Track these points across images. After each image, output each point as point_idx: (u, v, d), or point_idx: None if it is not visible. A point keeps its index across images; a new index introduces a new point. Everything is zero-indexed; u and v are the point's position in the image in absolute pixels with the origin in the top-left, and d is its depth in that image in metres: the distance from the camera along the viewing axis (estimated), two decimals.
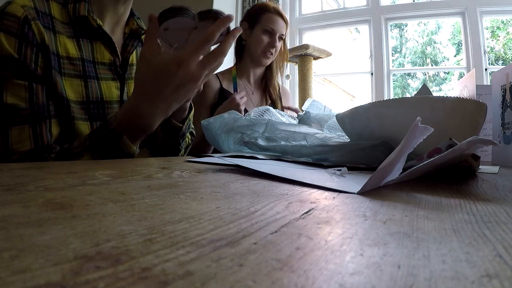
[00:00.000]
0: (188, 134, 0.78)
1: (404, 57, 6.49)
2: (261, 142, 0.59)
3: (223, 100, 1.25)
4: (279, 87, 1.47)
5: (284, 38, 1.37)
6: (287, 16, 1.64)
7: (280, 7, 2.33)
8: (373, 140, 0.46)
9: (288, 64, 2.85)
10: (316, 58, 2.48)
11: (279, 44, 1.35)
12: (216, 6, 2.37)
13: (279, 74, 1.47)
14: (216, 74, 1.32)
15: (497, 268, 0.11)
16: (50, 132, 0.59)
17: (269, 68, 1.41)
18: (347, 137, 0.57)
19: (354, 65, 5.98)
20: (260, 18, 1.32)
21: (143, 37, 0.74)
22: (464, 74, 2.75)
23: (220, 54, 0.53)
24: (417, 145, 0.26)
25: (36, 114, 0.57)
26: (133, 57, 0.73)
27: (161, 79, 0.52)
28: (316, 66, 2.55)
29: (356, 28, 5.89)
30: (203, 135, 0.68)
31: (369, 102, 0.48)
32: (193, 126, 0.81)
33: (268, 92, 1.42)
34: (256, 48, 1.32)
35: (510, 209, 0.22)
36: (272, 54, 1.34)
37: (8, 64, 0.55)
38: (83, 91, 0.63)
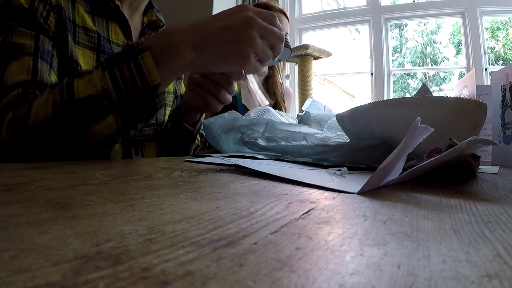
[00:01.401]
0: (197, 136, 0.77)
1: (404, 57, 6.49)
2: (261, 142, 0.59)
3: None
4: (282, 86, 1.47)
5: (287, 35, 1.37)
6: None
7: (280, 7, 2.32)
8: (373, 140, 0.46)
9: (288, 64, 2.85)
10: (316, 58, 2.48)
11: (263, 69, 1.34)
12: (216, 5, 2.37)
13: (281, 72, 1.47)
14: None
15: (497, 268, 0.11)
16: (49, 78, 0.54)
17: (271, 67, 1.41)
18: (347, 137, 0.57)
19: (354, 65, 5.98)
20: None
21: (161, 29, 0.72)
22: (464, 74, 2.75)
23: (271, 55, 0.49)
24: (417, 145, 0.26)
25: (41, 52, 0.53)
26: None
27: (218, 15, 0.47)
28: (316, 66, 2.55)
29: (356, 28, 5.89)
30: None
31: (369, 102, 0.48)
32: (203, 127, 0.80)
33: (272, 92, 1.42)
34: None
35: (510, 209, 0.22)
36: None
37: (17, 14, 0.53)
38: (93, 65, 0.61)
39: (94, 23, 0.63)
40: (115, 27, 0.65)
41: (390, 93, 2.84)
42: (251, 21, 0.45)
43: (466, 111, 0.44)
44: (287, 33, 0.54)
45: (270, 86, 1.43)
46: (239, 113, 0.66)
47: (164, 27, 0.57)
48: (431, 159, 0.30)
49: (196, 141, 0.78)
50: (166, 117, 0.77)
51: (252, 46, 0.46)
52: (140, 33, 0.72)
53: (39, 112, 0.46)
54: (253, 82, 1.16)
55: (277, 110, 0.83)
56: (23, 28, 0.53)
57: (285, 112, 1.41)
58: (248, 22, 0.45)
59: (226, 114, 0.65)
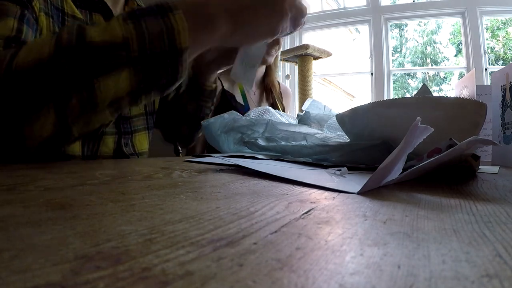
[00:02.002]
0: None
1: (404, 57, 6.49)
2: (261, 142, 0.59)
3: (225, 101, 1.25)
4: (279, 85, 1.47)
5: None
6: None
7: None
8: (373, 140, 0.46)
9: (288, 64, 2.85)
10: (316, 58, 2.48)
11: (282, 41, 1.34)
12: None
13: (276, 69, 1.46)
14: (217, 76, 1.32)
15: (497, 268, 0.11)
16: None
17: (267, 67, 1.41)
18: (347, 137, 0.57)
19: (354, 65, 5.98)
20: None
21: None
22: (464, 74, 2.75)
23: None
24: (417, 145, 0.26)
25: (26, 19, 0.46)
26: None
27: None
28: (316, 66, 2.55)
29: (356, 28, 5.89)
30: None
31: (369, 102, 0.48)
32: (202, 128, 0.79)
33: (269, 91, 1.42)
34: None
35: (510, 209, 0.22)
36: (276, 51, 1.33)
37: None
38: None
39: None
40: (99, 18, 0.61)
41: (390, 93, 2.84)
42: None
43: (466, 111, 0.44)
44: None
45: (266, 85, 1.42)
46: (239, 113, 0.66)
47: None
48: (431, 159, 0.30)
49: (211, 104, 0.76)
50: (157, 106, 0.75)
51: (283, 21, 0.45)
52: None
53: (32, 53, 0.37)
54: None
55: (276, 110, 0.83)
56: (7, 2, 0.47)
57: (284, 111, 1.41)
58: None
59: (226, 114, 0.65)
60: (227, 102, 1.27)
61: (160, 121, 0.79)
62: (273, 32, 0.46)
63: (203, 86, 0.69)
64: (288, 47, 2.62)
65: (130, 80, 0.38)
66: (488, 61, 2.53)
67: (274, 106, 1.38)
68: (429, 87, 0.61)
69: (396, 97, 3.13)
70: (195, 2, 0.43)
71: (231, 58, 0.58)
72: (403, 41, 6.34)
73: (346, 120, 0.53)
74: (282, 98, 1.46)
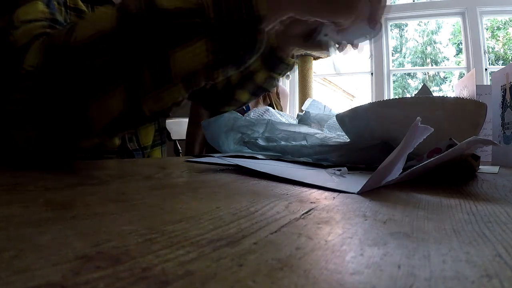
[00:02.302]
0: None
1: (404, 57, 6.49)
2: (261, 142, 0.59)
3: None
4: (277, 87, 1.47)
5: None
6: None
7: None
8: (373, 140, 0.46)
9: None
10: (316, 58, 2.48)
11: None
12: None
13: None
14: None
15: (497, 268, 0.11)
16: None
17: None
18: (347, 137, 0.57)
19: (354, 65, 5.98)
20: None
21: None
22: (464, 74, 2.75)
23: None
24: (417, 145, 0.26)
25: (52, 5, 0.42)
26: None
27: None
28: (316, 66, 2.55)
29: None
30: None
31: (369, 102, 0.48)
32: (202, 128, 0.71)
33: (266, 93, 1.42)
34: None
35: (510, 209, 0.22)
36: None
37: None
38: None
39: None
40: None
41: (390, 93, 2.84)
42: None
43: (466, 111, 0.44)
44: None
45: None
46: (239, 113, 0.66)
47: None
48: (431, 159, 0.30)
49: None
50: None
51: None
52: None
53: (91, 26, 0.34)
54: None
55: (276, 110, 0.83)
56: None
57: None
58: None
59: (226, 114, 0.65)
60: None
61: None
62: (355, 10, 0.41)
63: (280, 60, 0.64)
64: None
65: (207, 51, 0.35)
66: (488, 61, 2.53)
67: (272, 107, 1.38)
68: (429, 87, 0.61)
69: (396, 97, 3.13)
70: None
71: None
72: (403, 41, 6.34)
73: (346, 120, 0.53)
74: (279, 99, 1.46)
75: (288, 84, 2.86)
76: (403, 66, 6.56)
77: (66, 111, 0.34)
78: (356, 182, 0.31)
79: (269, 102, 1.41)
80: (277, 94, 1.46)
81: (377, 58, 2.80)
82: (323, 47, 0.54)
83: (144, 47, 0.33)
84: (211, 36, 0.34)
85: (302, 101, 2.25)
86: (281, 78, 0.71)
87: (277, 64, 0.66)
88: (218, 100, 0.76)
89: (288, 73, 0.71)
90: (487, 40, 2.61)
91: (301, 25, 0.58)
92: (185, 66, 0.35)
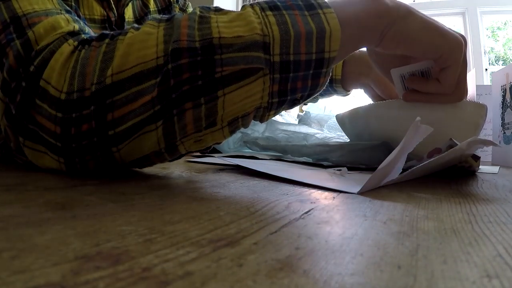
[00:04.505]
0: None
1: None
2: (261, 141, 0.59)
3: None
4: None
5: None
6: None
7: None
8: (373, 140, 0.46)
9: None
10: None
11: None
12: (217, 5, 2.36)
13: None
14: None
15: (497, 268, 0.11)
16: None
17: None
18: (347, 137, 0.57)
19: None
20: None
21: None
22: None
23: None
24: (417, 145, 0.26)
25: None
26: (129, 12, 0.51)
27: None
28: None
29: None
30: None
31: (369, 103, 0.48)
32: None
33: None
34: None
35: (510, 209, 0.22)
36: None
37: None
38: None
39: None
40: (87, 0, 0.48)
41: None
42: (461, 45, 0.36)
43: (467, 112, 0.43)
44: None
45: None
46: None
47: None
48: (431, 159, 0.30)
49: None
50: None
51: (449, 48, 0.35)
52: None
53: (132, 54, 0.28)
54: None
55: None
56: None
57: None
58: (460, 44, 0.35)
59: None
60: None
61: None
62: (432, 51, 0.35)
63: (335, 90, 0.63)
64: None
65: (263, 92, 0.29)
66: (488, 61, 2.53)
67: None
68: None
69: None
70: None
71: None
72: None
73: (346, 120, 0.53)
74: None
75: None
76: None
77: (91, 154, 0.29)
78: (356, 182, 0.31)
79: None
80: None
81: None
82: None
83: (190, 85, 0.27)
84: (272, 75, 0.29)
85: None
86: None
87: (328, 93, 0.64)
88: None
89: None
90: (487, 39, 2.61)
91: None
92: (235, 109, 0.29)
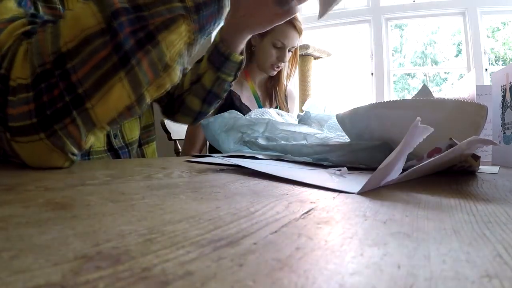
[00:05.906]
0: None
1: (404, 57, 6.49)
2: (261, 141, 0.59)
3: (229, 100, 1.25)
4: (285, 89, 1.45)
5: (296, 47, 1.31)
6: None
7: None
8: (373, 140, 0.46)
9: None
10: (316, 58, 2.48)
11: (288, 56, 1.30)
12: None
13: (287, 80, 1.44)
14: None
15: (497, 268, 0.11)
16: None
17: (277, 73, 1.38)
18: (347, 137, 0.57)
19: (354, 65, 5.96)
20: (272, 28, 1.28)
21: None
22: (464, 74, 2.75)
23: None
24: (417, 145, 0.26)
25: (24, 1, 0.40)
26: None
27: None
28: (316, 66, 2.55)
29: (357, 28, 5.88)
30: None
31: (369, 103, 0.48)
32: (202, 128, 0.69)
33: (274, 94, 1.40)
34: (264, 60, 1.28)
35: (510, 209, 0.21)
36: (279, 67, 1.30)
37: None
38: None
39: None
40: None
41: (391, 94, 2.84)
42: None
43: (467, 113, 0.43)
44: None
45: (269, 88, 1.41)
46: (239, 113, 0.66)
47: None
48: (431, 159, 0.30)
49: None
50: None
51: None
52: None
53: (76, 26, 0.33)
54: None
55: (276, 110, 0.83)
56: None
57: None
58: None
59: (226, 114, 0.65)
60: (231, 103, 1.26)
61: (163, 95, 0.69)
62: None
63: (226, 57, 0.64)
64: None
65: (189, 32, 0.36)
66: (488, 61, 2.53)
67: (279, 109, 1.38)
68: (429, 88, 0.61)
69: (397, 97, 3.13)
70: None
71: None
72: (403, 41, 6.34)
73: (347, 120, 0.53)
74: (287, 102, 1.45)
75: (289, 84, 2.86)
76: (404, 66, 6.57)
77: (69, 115, 0.33)
78: (356, 182, 0.31)
79: (276, 106, 1.41)
80: (285, 96, 1.45)
81: (378, 58, 2.81)
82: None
83: (136, 38, 0.33)
84: (191, 17, 0.36)
85: (302, 101, 2.25)
86: (232, 84, 0.70)
87: (222, 62, 0.65)
88: (173, 107, 0.76)
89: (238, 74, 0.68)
90: (487, 39, 2.61)
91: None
92: (176, 48, 0.36)
